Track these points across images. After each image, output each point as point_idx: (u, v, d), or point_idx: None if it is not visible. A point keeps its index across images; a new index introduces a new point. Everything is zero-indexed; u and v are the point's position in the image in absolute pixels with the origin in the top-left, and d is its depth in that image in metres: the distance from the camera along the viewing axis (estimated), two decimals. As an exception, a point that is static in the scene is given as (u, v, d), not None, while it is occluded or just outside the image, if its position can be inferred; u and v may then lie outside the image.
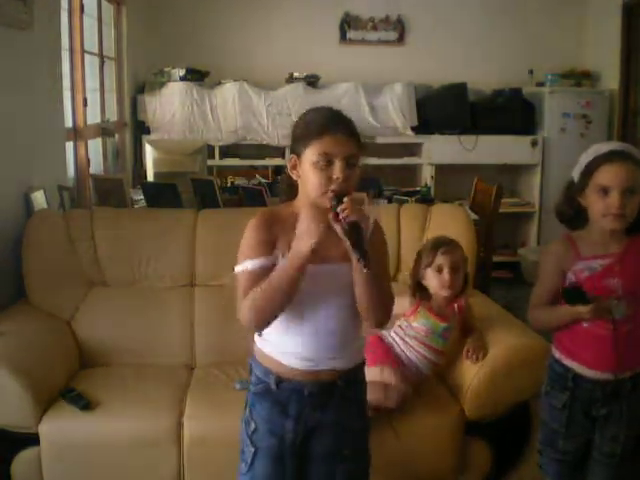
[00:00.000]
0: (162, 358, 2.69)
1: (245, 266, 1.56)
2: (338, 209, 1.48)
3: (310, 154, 1.53)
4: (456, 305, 2.41)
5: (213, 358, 2.69)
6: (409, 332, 2.40)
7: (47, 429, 2.25)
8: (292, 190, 1.63)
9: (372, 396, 2.04)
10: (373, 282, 1.54)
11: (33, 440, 2.25)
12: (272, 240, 1.57)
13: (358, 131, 1.59)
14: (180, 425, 2.27)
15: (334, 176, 1.51)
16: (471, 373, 2.33)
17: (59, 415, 2.28)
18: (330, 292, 1.58)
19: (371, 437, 2.19)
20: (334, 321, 1.60)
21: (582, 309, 1.76)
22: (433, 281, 2.39)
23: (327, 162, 1.51)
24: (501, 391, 2.32)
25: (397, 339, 2.41)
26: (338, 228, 1.49)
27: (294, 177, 1.59)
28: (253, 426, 1.67)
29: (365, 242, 1.47)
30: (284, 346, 1.62)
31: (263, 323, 1.58)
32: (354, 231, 1.47)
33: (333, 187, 1.51)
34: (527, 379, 2.24)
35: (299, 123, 1.59)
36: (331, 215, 1.49)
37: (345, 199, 1.49)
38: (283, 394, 1.63)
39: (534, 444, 2.04)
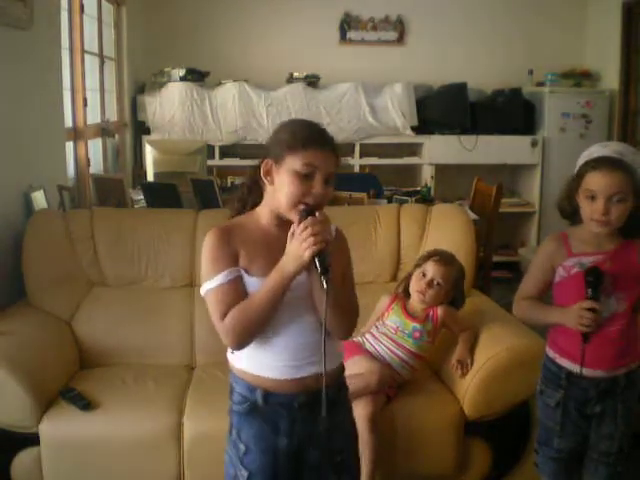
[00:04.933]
0: (162, 358, 2.70)
1: (210, 285, 1.53)
2: (309, 218, 1.46)
3: (293, 162, 1.49)
4: (431, 312, 2.43)
5: (213, 358, 2.68)
6: (381, 329, 2.46)
7: (47, 429, 2.25)
8: (251, 198, 1.60)
9: (352, 387, 2.11)
10: (333, 300, 1.48)
11: (33, 440, 2.25)
12: (233, 254, 1.53)
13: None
14: (180, 425, 2.28)
15: (314, 189, 1.48)
16: (471, 373, 2.34)
17: (59, 415, 2.28)
18: (303, 298, 1.53)
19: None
20: (310, 327, 1.56)
21: (586, 304, 1.76)
22: (414, 283, 2.47)
23: (309, 174, 1.49)
24: (500, 391, 2.32)
25: (368, 336, 2.47)
26: (300, 232, 1.45)
27: (267, 183, 1.55)
28: (243, 448, 1.60)
29: (328, 260, 1.44)
30: (264, 358, 1.56)
31: (246, 343, 1.55)
32: (321, 252, 1.44)
33: (309, 200, 1.48)
34: (526, 379, 2.23)
35: (283, 129, 1.56)
36: (294, 225, 1.47)
37: (311, 218, 1.45)
38: (272, 409, 1.58)
39: (534, 444, 2.05)
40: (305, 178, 1.49)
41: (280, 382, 1.56)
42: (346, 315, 1.57)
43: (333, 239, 1.52)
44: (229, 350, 1.62)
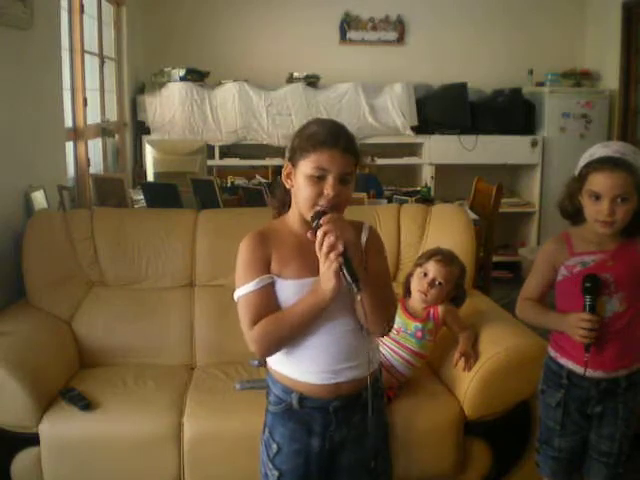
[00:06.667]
0: (162, 358, 2.70)
1: (243, 291, 1.54)
2: (318, 232, 1.45)
3: (304, 166, 1.51)
4: (432, 310, 2.43)
5: (213, 358, 2.69)
6: None
7: (47, 429, 2.25)
8: (288, 197, 1.60)
9: None
10: (370, 299, 1.49)
11: (33, 440, 2.25)
12: (266, 259, 1.54)
13: (358, 148, 1.55)
14: (180, 425, 2.27)
15: (325, 192, 1.48)
16: (471, 373, 2.33)
17: (59, 415, 2.28)
18: (339, 301, 1.51)
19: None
20: (346, 329, 1.56)
21: (585, 316, 1.78)
22: (415, 282, 2.47)
23: (320, 176, 1.49)
24: (501, 391, 2.32)
25: None
26: (319, 251, 1.44)
27: (287, 185, 1.57)
28: (275, 448, 1.61)
29: (352, 265, 1.42)
30: (300, 363, 1.57)
31: (273, 353, 1.57)
32: (342, 257, 1.42)
33: (322, 202, 1.48)
34: (526, 379, 2.23)
35: (300, 133, 1.56)
36: (309, 234, 1.47)
37: (322, 219, 1.44)
38: (306, 412, 1.58)
39: (534, 444, 2.05)
40: (318, 180, 1.49)
41: (316, 387, 1.56)
42: (382, 312, 1.55)
43: (353, 236, 1.50)
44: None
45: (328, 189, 1.48)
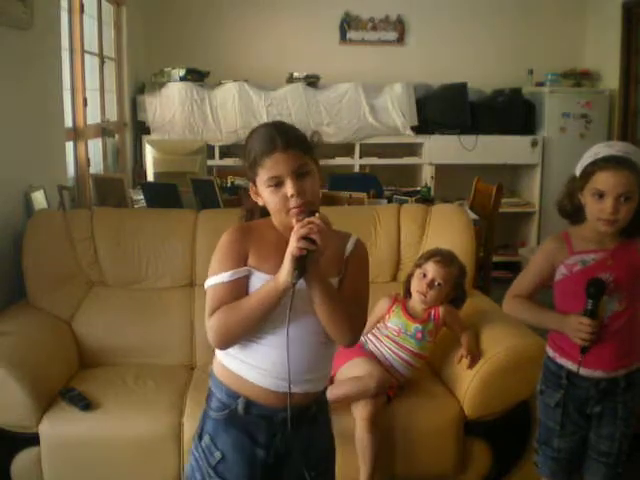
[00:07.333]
0: (162, 358, 2.70)
1: (214, 281, 1.53)
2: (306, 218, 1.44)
3: (261, 180, 1.52)
4: (432, 312, 2.43)
5: (213, 358, 2.68)
6: (383, 331, 2.45)
7: (47, 429, 2.26)
8: (255, 207, 1.60)
9: (348, 390, 2.19)
10: (329, 307, 1.48)
11: (33, 440, 2.25)
12: (243, 254, 1.53)
13: (302, 136, 1.54)
14: (180, 425, 2.28)
15: (288, 194, 1.48)
16: (471, 373, 2.34)
17: (59, 415, 2.28)
18: (304, 305, 1.49)
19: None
20: (315, 340, 1.53)
21: (584, 320, 1.78)
22: (415, 283, 2.47)
23: (278, 183, 1.49)
24: (500, 391, 2.32)
25: (371, 337, 2.46)
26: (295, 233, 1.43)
27: (260, 203, 1.57)
28: (219, 455, 1.56)
29: (307, 262, 1.41)
30: (255, 361, 1.53)
31: (230, 344, 1.54)
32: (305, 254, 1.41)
33: (292, 204, 1.48)
34: (526, 379, 2.23)
35: (243, 154, 1.57)
36: (294, 219, 1.46)
37: (313, 218, 1.43)
38: (251, 419, 1.54)
39: (534, 443, 2.05)
40: (278, 188, 1.50)
41: (266, 393, 1.53)
42: (343, 325, 1.51)
43: (335, 247, 1.51)
44: (217, 352, 1.60)
45: (289, 191, 1.48)
